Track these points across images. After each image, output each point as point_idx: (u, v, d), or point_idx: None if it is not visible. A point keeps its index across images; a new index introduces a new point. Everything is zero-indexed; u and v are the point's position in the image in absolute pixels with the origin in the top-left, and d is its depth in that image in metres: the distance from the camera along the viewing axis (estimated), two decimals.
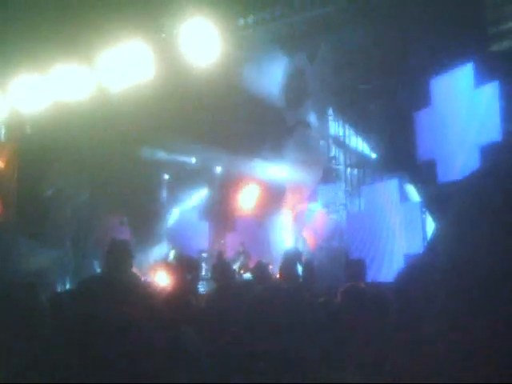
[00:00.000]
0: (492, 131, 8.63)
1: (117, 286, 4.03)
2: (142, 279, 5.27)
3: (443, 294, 1.00)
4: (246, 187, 15.01)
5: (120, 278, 4.15)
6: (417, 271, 1.10)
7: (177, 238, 14.90)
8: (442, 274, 1.01)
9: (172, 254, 13.72)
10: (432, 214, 10.08)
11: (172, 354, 2.78)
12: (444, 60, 9.18)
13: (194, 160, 15.70)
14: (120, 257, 4.28)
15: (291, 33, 9.29)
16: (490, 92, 8.82)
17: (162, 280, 11.78)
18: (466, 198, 1.17)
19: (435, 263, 1.05)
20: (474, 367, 1.06)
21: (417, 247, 10.38)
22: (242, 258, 13.08)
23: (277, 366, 1.81)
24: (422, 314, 1.06)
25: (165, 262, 13.31)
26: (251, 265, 12.41)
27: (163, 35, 9.22)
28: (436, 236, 1.30)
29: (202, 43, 8.74)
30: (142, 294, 4.13)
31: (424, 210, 10.47)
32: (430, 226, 10.19)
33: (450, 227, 1.13)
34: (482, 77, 8.91)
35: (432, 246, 1.24)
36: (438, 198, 9.39)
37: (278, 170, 14.16)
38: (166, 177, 16.33)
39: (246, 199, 15.03)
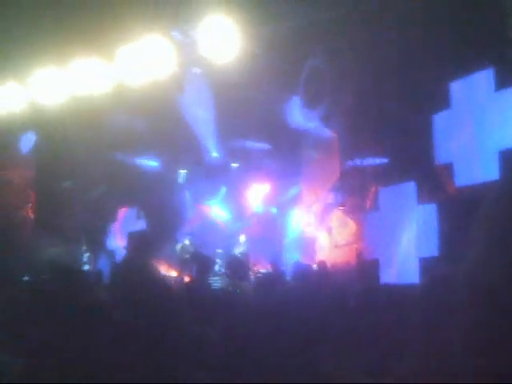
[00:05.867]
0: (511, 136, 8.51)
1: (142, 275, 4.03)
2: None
3: (471, 301, 0.99)
4: (260, 186, 14.99)
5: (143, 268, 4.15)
6: (442, 277, 1.09)
7: (194, 233, 14.92)
8: (469, 281, 1.00)
9: (181, 247, 13.75)
10: (448, 218, 9.99)
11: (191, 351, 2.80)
12: (464, 64, 9.09)
13: (214, 155, 15.38)
14: (138, 248, 4.29)
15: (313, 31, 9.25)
16: (511, 96, 8.71)
17: (172, 274, 11.86)
18: (486, 203, 1.16)
19: (462, 270, 1.04)
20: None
21: (431, 251, 10.28)
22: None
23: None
24: (446, 321, 1.05)
25: (178, 258, 13.37)
26: (257, 259, 12.51)
27: (183, 31, 9.25)
28: (461, 242, 1.29)
29: (221, 40, 8.75)
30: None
31: (440, 213, 10.36)
32: (445, 230, 10.08)
33: (477, 233, 1.12)
34: (502, 81, 8.81)
35: (457, 253, 1.23)
36: (455, 203, 9.29)
37: (293, 170, 14.11)
38: (184, 172, 16.17)
39: (262, 197, 15.00)
